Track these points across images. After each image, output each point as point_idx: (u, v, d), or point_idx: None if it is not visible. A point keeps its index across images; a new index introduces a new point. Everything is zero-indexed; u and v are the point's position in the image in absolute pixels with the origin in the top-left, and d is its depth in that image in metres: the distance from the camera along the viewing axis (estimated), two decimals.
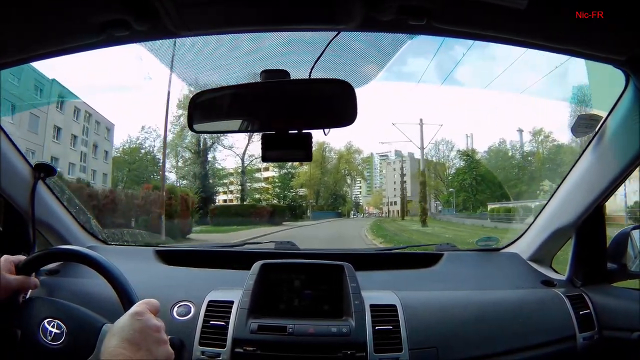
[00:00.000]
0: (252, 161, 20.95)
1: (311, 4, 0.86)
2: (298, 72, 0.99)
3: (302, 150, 0.95)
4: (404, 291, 1.24)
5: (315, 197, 22.86)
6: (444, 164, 22.83)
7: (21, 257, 0.93)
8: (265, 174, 21.92)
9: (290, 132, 0.94)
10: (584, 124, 1.26)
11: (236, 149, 20.61)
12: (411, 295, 1.23)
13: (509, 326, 1.18)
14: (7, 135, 1.21)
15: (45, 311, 0.88)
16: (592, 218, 1.31)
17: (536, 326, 1.19)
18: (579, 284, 1.34)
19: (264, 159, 0.98)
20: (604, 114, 1.20)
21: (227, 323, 1.12)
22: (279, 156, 1.05)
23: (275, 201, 21.17)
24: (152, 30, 0.89)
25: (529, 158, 20.93)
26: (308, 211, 21.98)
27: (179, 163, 19.84)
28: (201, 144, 19.37)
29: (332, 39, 0.99)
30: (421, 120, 19.67)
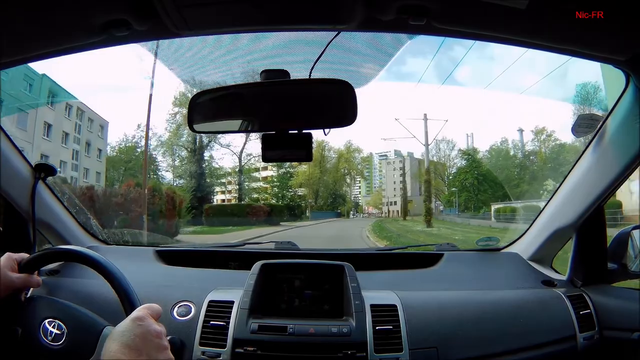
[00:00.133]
0: (249, 160, 20.71)
1: (311, 4, 0.86)
2: (298, 72, 0.99)
3: (303, 150, 0.95)
4: (404, 291, 1.24)
5: (315, 197, 22.64)
6: (444, 164, 22.66)
7: (24, 255, 0.93)
8: (264, 174, 21.68)
9: (290, 132, 0.94)
10: (584, 124, 1.26)
11: (233, 148, 20.40)
12: (411, 295, 1.23)
13: (509, 326, 1.18)
14: (7, 136, 1.21)
15: (46, 311, 0.89)
16: (593, 218, 1.30)
17: (537, 326, 1.19)
18: (579, 284, 1.34)
19: (264, 159, 0.98)
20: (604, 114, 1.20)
21: (228, 323, 1.12)
22: (279, 156, 1.05)
23: (273, 201, 20.91)
24: (152, 30, 0.89)
25: (531, 157, 20.77)
26: (307, 211, 21.73)
27: (176, 162, 19.64)
28: (197, 142, 19.14)
29: (332, 39, 0.99)
30: (425, 115, 19.08)
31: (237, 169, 20.64)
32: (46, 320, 0.87)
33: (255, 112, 0.99)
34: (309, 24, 0.97)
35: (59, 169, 1.40)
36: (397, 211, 23.43)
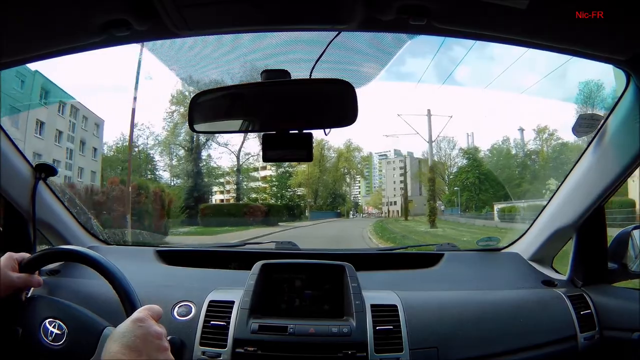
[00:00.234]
0: (248, 159, 20.44)
1: (311, 4, 0.86)
2: (299, 72, 0.99)
3: (303, 150, 0.95)
4: (404, 291, 1.24)
5: (314, 197, 22.38)
6: (444, 163, 22.46)
7: (25, 255, 0.93)
8: (263, 173, 21.42)
9: (290, 132, 0.94)
10: (585, 124, 1.26)
11: (231, 146, 20.10)
12: (412, 295, 1.23)
13: (509, 326, 1.18)
14: (7, 135, 1.21)
15: (46, 311, 0.89)
16: (593, 218, 1.30)
17: (537, 326, 1.19)
18: (579, 284, 1.34)
19: (265, 159, 0.98)
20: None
21: (228, 323, 1.12)
22: (280, 156, 1.05)
23: (272, 201, 20.65)
24: (152, 30, 0.89)
25: (532, 157, 20.59)
26: (306, 211, 21.50)
27: (174, 161, 19.38)
28: (194, 141, 18.81)
29: (333, 39, 0.99)
30: (429, 111, 18.25)
31: (235, 169, 20.43)
32: (47, 320, 0.87)
33: (256, 112, 0.99)
34: (309, 24, 0.97)
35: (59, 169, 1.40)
36: (397, 211, 23.31)
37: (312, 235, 13.33)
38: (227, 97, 1.00)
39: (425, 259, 1.50)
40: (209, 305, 1.17)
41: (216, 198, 20.41)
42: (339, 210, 23.39)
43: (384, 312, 1.15)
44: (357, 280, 1.22)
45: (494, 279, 1.42)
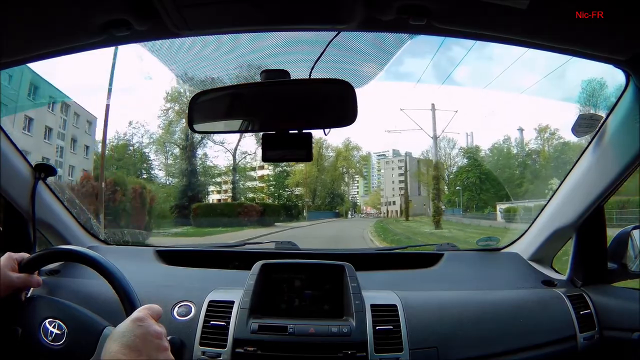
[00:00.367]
0: (244, 157, 19.97)
1: (311, 4, 0.86)
2: (298, 72, 0.99)
3: (303, 149, 0.95)
4: (404, 291, 1.24)
5: (312, 196, 21.97)
6: (444, 163, 22.07)
7: (24, 255, 0.93)
8: (260, 172, 21.03)
9: (290, 132, 0.94)
10: (585, 124, 1.26)
11: (227, 145, 19.56)
12: (412, 295, 1.23)
13: (509, 326, 1.18)
14: (7, 136, 1.21)
15: (46, 311, 0.89)
16: (593, 218, 1.31)
17: (537, 326, 1.19)
18: (579, 284, 1.34)
19: (265, 158, 0.98)
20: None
21: (228, 323, 1.12)
22: (280, 156, 1.05)
23: (270, 201, 20.27)
24: (152, 30, 0.89)
25: (533, 156, 20.37)
26: (304, 211, 21.09)
27: (169, 160, 18.87)
28: (189, 139, 18.23)
29: (333, 39, 0.99)
30: (433, 105, 17.29)
31: (231, 168, 19.94)
32: (46, 320, 0.87)
33: (256, 112, 0.99)
34: (309, 24, 0.97)
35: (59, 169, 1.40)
36: (396, 211, 23.15)
37: (311, 235, 13.01)
38: (226, 97, 1.00)
39: (425, 259, 1.50)
40: (208, 305, 1.17)
41: (213, 198, 19.99)
42: (337, 210, 23.08)
43: (384, 312, 1.15)
44: (356, 280, 1.22)
45: (493, 279, 1.42)
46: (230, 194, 19.96)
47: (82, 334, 0.86)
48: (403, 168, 23.03)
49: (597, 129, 1.21)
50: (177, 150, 18.75)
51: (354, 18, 0.86)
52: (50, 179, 1.37)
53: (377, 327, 1.11)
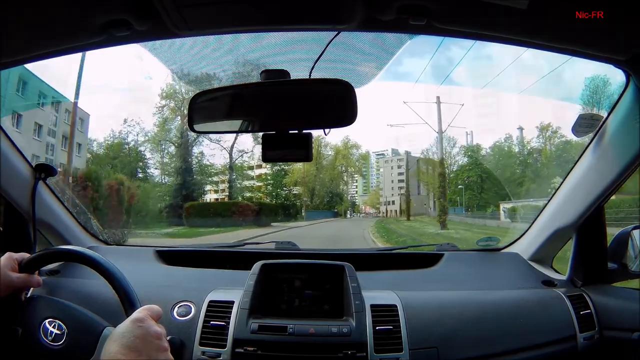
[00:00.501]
0: (241, 156, 19.52)
1: (311, 4, 0.86)
2: (298, 72, 0.99)
3: (303, 149, 0.95)
4: (404, 291, 1.24)
5: (310, 196, 21.55)
6: (445, 161, 21.67)
7: (24, 255, 0.93)
8: (258, 171, 20.61)
9: (290, 132, 0.94)
10: (585, 124, 1.26)
11: (223, 143, 18.95)
12: (412, 295, 1.23)
13: (509, 326, 1.18)
14: (7, 136, 1.21)
15: (46, 311, 0.89)
16: (593, 218, 1.31)
17: (537, 326, 1.19)
18: (579, 284, 1.34)
19: (265, 159, 0.98)
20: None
21: (228, 323, 1.12)
22: (280, 156, 1.05)
23: (267, 200, 19.87)
24: (152, 30, 0.89)
25: (534, 155, 20.11)
26: (302, 210, 20.68)
27: (164, 159, 18.31)
28: (183, 136, 17.74)
29: (333, 39, 0.99)
30: (438, 98, 16.34)
31: (228, 166, 19.44)
32: (46, 320, 0.87)
33: (256, 112, 0.99)
34: (309, 24, 0.97)
35: (59, 169, 1.40)
36: (395, 211, 22.99)
37: (309, 235, 12.59)
38: (226, 97, 1.00)
39: (425, 259, 1.50)
40: (208, 305, 1.17)
41: (211, 197, 19.50)
42: (336, 210, 22.82)
43: (384, 312, 1.15)
44: (356, 280, 1.22)
45: (494, 279, 1.42)
46: (227, 194, 19.51)
47: (82, 334, 0.86)
48: (402, 167, 22.86)
49: (598, 129, 1.22)
50: (172, 149, 18.31)
51: (354, 18, 0.86)
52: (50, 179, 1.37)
53: (377, 327, 1.11)
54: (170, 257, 1.51)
